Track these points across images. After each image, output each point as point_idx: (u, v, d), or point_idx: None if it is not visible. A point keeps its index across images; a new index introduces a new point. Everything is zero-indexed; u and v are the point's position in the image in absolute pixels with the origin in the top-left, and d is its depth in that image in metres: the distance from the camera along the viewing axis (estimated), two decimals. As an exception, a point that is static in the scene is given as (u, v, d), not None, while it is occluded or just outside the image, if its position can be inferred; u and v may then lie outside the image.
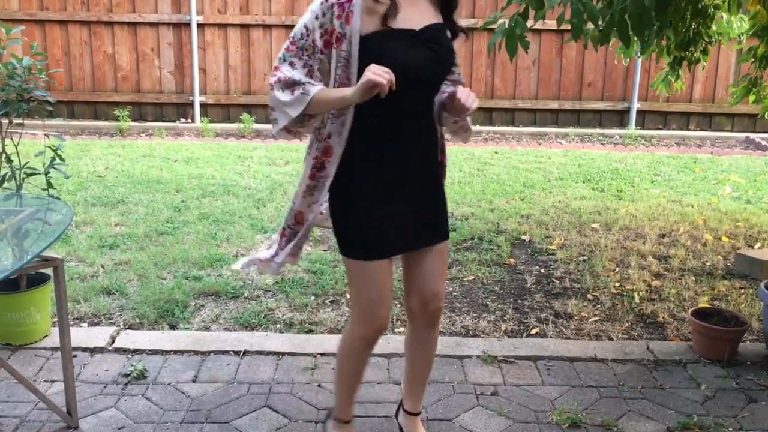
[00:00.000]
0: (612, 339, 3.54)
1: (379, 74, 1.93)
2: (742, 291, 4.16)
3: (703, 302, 3.92)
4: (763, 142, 9.22)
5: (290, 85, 2.09)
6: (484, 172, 7.14)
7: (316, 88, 2.07)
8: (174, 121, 9.49)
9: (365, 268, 2.23)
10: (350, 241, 2.25)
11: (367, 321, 2.29)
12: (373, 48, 2.05)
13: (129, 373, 3.06)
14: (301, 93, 2.07)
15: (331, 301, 3.89)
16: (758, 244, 5.01)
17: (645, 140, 9.36)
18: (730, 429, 2.75)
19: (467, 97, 2.13)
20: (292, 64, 2.10)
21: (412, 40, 2.10)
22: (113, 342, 3.34)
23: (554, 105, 9.75)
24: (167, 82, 9.47)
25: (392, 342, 3.38)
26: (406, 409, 2.60)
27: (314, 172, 2.22)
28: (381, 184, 2.20)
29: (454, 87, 2.27)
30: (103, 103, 9.45)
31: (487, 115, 9.77)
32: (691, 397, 2.99)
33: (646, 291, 4.13)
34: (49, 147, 3.31)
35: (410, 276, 2.39)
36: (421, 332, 2.46)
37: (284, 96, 2.09)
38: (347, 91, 2.03)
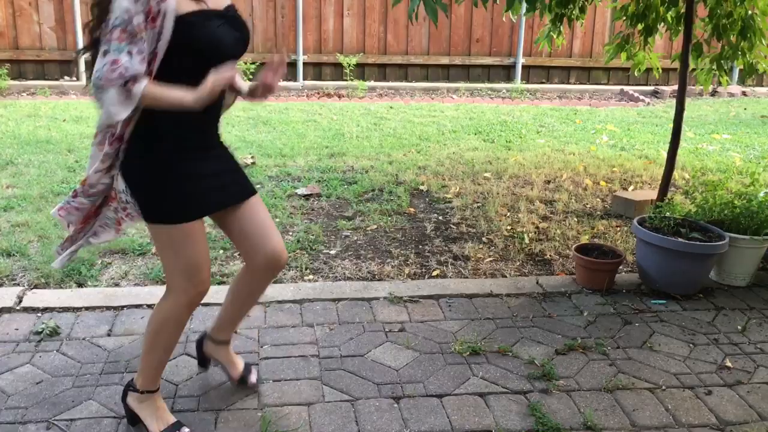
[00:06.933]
0: (506, 276, 3.84)
1: (223, 78, 2.05)
2: (618, 229, 4.58)
3: (584, 240, 4.30)
4: (636, 94, 9.90)
5: (130, 80, 1.96)
6: (381, 127, 7.32)
7: (141, 86, 1.98)
8: (58, 80, 9.08)
9: (185, 231, 2.21)
10: (165, 208, 2.21)
11: (193, 285, 2.27)
12: (187, 27, 2.04)
13: (41, 330, 3.05)
14: (130, 94, 1.97)
15: (239, 254, 3.98)
16: (632, 187, 5.48)
17: (530, 93, 9.82)
18: (609, 347, 3.11)
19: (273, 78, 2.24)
20: (129, 54, 1.95)
21: (221, 20, 2.15)
22: (20, 301, 3.31)
23: (445, 60, 10.03)
24: (48, 38, 9.02)
25: (303, 289, 3.53)
26: (221, 339, 2.65)
27: (112, 141, 2.13)
28: (187, 149, 2.21)
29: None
30: (-24, 61, 8.91)
31: (381, 70, 9.94)
32: (575, 323, 3.33)
33: (535, 232, 4.47)
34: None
35: (244, 235, 2.40)
36: (260, 282, 2.50)
37: (112, 96, 1.96)
38: (187, 98, 2.04)
